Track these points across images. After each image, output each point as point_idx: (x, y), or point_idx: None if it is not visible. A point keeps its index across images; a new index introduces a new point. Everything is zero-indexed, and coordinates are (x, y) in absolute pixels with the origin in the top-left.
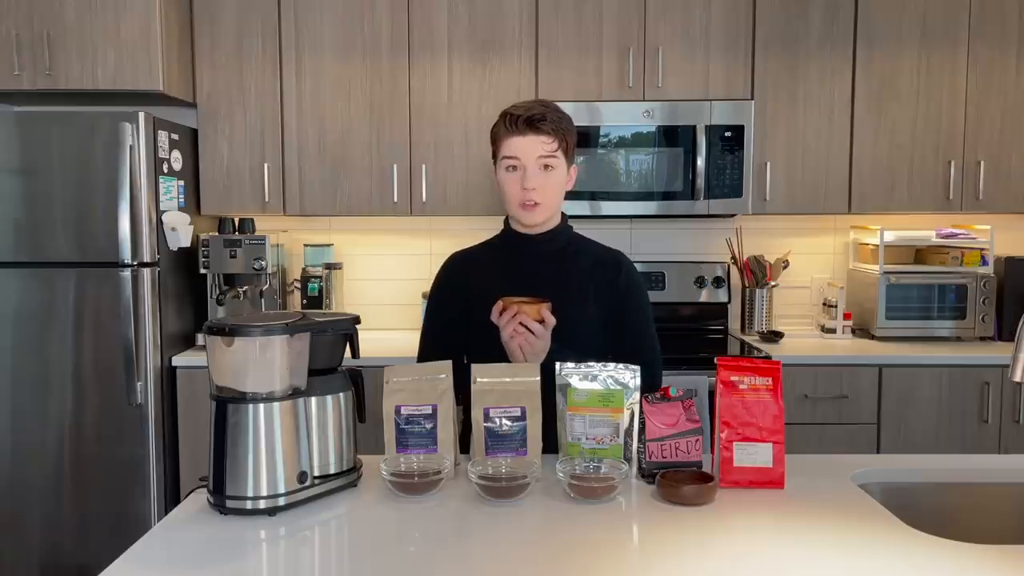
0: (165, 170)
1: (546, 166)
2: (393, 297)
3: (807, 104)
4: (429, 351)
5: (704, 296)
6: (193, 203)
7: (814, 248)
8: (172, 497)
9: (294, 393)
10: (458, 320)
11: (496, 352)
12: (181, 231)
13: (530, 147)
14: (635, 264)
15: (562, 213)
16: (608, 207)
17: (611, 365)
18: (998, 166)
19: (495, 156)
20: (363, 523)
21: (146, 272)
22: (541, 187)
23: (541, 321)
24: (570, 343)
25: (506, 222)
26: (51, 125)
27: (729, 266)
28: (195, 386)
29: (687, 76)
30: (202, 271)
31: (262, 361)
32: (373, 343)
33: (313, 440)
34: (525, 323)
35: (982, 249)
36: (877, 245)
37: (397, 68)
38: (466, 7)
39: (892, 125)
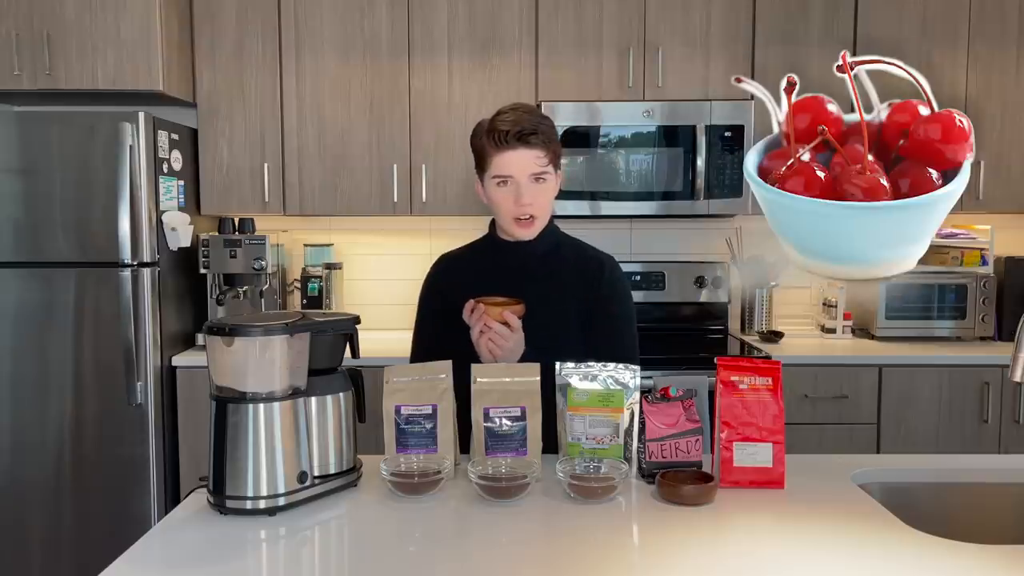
0: (165, 170)
1: (538, 179)
2: (393, 297)
3: None
4: (420, 353)
5: (704, 296)
6: (193, 203)
7: None
8: (172, 497)
9: (294, 393)
10: (446, 322)
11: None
12: (181, 231)
13: (522, 162)
14: (635, 264)
15: None
16: (608, 207)
17: (611, 365)
18: (998, 166)
19: (481, 170)
20: (363, 523)
21: (146, 272)
22: (536, 201)
23: (505, 323)
24: (552, 346)
25: (492, 225)
26: (51, 125)
27: (729, 266)
28: (195, 386)
29: (687, 76)
30: (202, 271)
31: (262, 361)
32: (373, 343)
33: (313, 440)
34: (489, 324)
35: (982, 249)
36: None
37: (397, 68)
38: (466, 7)
39: None
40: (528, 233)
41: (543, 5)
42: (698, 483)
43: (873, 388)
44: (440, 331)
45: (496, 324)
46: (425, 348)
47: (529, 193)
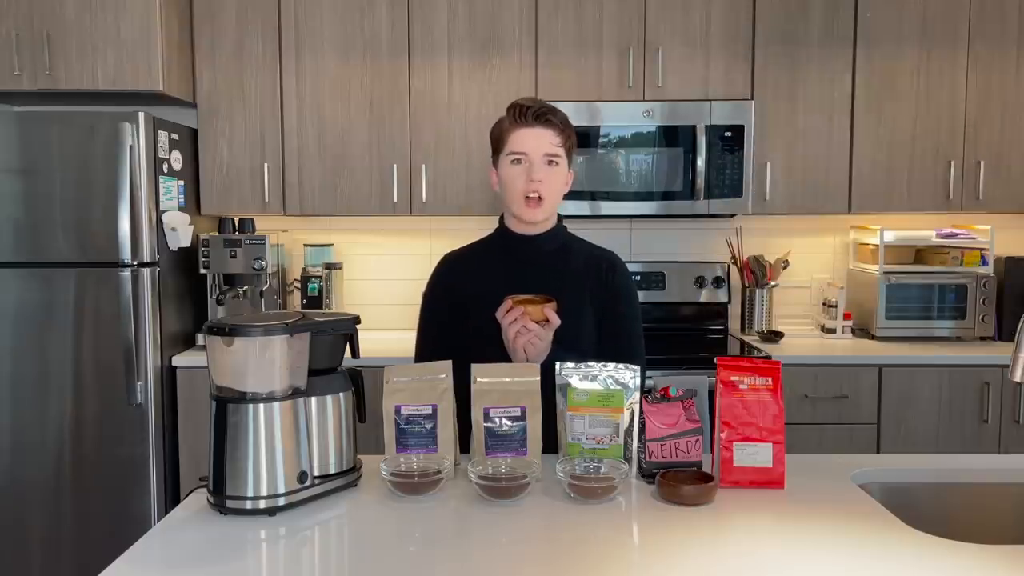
0: (165, 170)
1: (551, 161)
2: (393, 297)
3: (807, 104)
4: (425, 354)
5: (704, 296)
6: (193, 203)
7: (814, 248)
8: (172, 497)
9: (294, 393)
10: (453, 322)
11: (491, 353)
12: (181, 231)
13: (538, 140)
14: (635, 264)
15: (557, 213)
16: (608, 207)
17: (611, 365)
18: (998, 166)
19: (497, 152)
20: (363, 523)
21: (146, 272)
22: (546, 180)
23: (545, 321)
24: (570, 343)
25: (501, 221)
26: (51, 125)
27: (729, 266)
28: (195, 386)
29: (687, 76)
30: (202, 271)
31: (262, 361)
32: (373, 343)
33: (313, 440)
34: (528, 325)
35: (982, 249)
36: (877, 245)
37: (397, 68)
38: (466, 7)
39: (892, 125)
40: (535, 214)
41: (543, 5)
42: (698, 483)
43: (873, 388)
44: (446, 331)
45: (534, 325)
46: (431, 350)
47: (541, 171)
